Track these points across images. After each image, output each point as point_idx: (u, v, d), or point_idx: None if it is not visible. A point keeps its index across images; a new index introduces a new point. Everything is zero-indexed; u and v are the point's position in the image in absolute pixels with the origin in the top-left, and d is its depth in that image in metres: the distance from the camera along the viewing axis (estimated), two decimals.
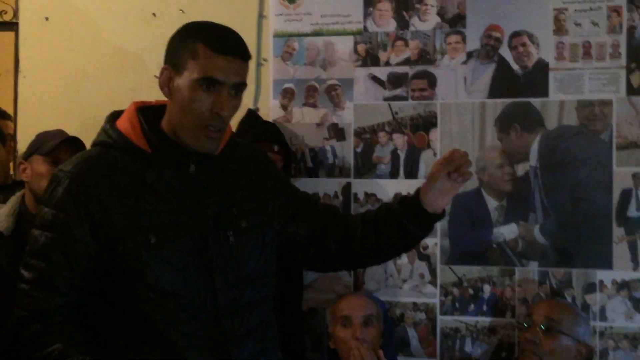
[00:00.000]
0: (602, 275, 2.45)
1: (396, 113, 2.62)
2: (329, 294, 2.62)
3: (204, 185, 1.66)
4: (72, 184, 1.59)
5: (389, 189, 2.61)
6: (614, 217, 2.44)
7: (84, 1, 2.89)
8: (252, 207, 1.72)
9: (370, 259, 1.90)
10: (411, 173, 2.60)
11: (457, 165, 1.67)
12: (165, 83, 1.62)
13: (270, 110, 2.71)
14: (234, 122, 2.22)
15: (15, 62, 2.93)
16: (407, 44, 2.62)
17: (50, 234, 1.58)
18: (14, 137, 2.90)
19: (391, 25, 2.64)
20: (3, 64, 2.94)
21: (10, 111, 2.92)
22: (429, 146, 2.60)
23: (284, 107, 2.71)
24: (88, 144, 1.83)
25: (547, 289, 2.49)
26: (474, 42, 2.57)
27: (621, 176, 2.45)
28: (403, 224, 1.73)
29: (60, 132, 2.47)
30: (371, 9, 2.65)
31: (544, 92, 2.51)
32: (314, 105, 2.69)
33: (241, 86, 1.62)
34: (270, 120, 2.69)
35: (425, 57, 2.61)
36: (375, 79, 2.64)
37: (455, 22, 2.59)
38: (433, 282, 2.58)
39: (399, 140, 2.62)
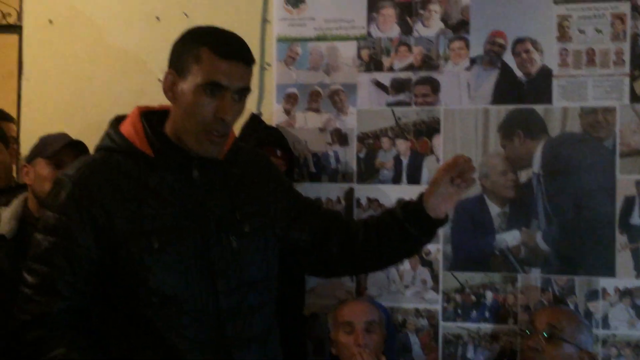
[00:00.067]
0: (605, 282, 2.45)
1: (399, 118, 2.62)
2: (331, 299, 2.60)
3: (207, 189, 1.66)
4: (75, 189, 1.59)
5: (391, 194, 2.60)
6: (617, 224, 2.44)
7: (88, 4, 2.89)
8: (254, 210, 1.71)
9: (372, 264, 1.89)
10: (414, 179, 2.60)
11: (461, 171, 1.67)
12: (169, 87, 1.62)
13: (273, 114, 2.71)
14: (237, 127, 2.22)
15: (18, 65, 2.94)
16: (410, 50, 2.62)
17: (52, 239, 1.58)
18: (17, 140, 2.90)
19: (395, 31, 2.63)
20: (7, 67, 2.94)
21: (13, 114, 2.93)
22: (432, 152, 2.59)
23: (287, 112, 2.71)
24: (91, 147, 1.83)
25: (550, 296, 2.48)
26: (477, 48, 2.57)
27: (624, 183, 2.45)
28: (405, 228, 1.72)
29: (63, 136, 2.47)
30: (375, 15, 2.65)
31: (548, 99, 2.51)
32: (317, 110, 2.68)
33: (245, 91, 1.62)
34: (274, 124, 2.69)
35: (428, 62, 2.60)
36: (378, 84, 2.64)
37: (458, 28, 2.59)
38: (435, 288, 2.57)
39: (402, 145, 2.61)
